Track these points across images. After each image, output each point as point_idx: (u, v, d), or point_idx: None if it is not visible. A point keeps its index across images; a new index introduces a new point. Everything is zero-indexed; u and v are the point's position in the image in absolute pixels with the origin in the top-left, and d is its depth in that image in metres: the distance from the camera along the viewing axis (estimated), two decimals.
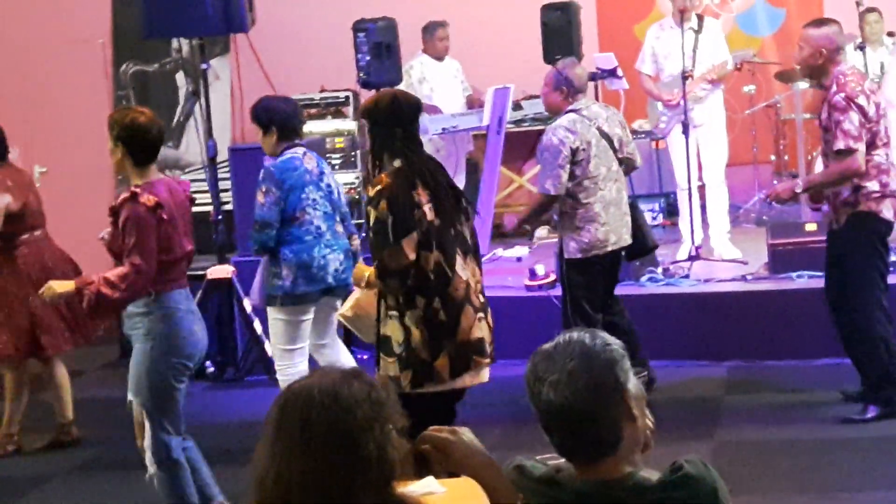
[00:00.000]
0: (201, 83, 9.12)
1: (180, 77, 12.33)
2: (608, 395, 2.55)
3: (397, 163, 5.26)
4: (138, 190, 5.31)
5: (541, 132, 11.05)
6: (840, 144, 6.49)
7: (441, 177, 5.37)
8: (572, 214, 7.01)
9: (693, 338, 8.28)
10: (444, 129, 10.45)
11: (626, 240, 7.18)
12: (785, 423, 6.94)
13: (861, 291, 6.71)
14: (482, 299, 5.43)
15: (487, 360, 5.40)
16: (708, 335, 8.30)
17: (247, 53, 10.68)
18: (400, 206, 5.14)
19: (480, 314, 5.37)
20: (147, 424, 5.51)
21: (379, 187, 5.19)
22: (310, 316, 6.65)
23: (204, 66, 9.09)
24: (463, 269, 5.31)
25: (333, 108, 11.72)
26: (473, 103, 10.95)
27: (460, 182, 10.68)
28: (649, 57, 9.61)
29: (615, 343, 2.62)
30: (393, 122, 5.30)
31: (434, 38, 10.89)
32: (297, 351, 6.65)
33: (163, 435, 5.50)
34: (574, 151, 6.94)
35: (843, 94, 6.49)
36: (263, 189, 6.50)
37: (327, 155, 10.34)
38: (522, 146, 11.25)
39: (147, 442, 5.54)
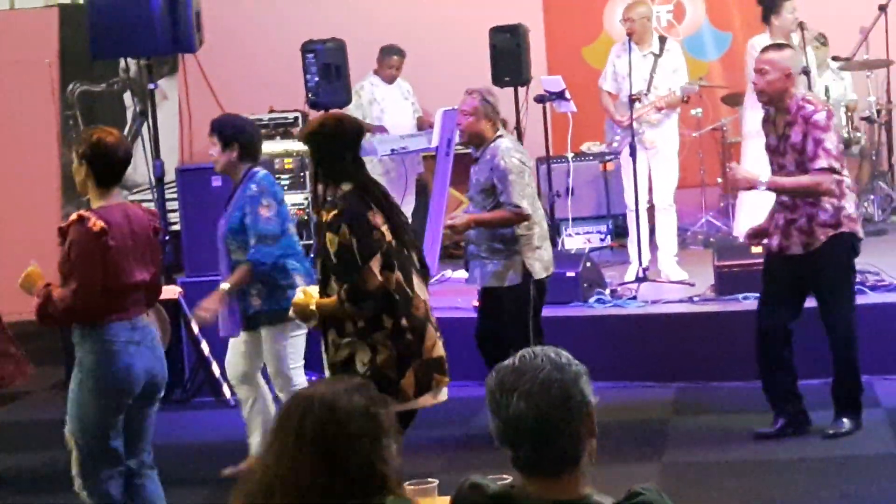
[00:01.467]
0: (149, 103, 9.08)
1: (128, 97, 12.24)
2: (577, 407, 2.58)
3: (346, 186, 5.26)
4: (86, 213, 5.18)
5: None
6: (823, 163, 6.48)
7: (391, 200, 5.43)
8: (530, 235, 6.99)
9: (640, 359, 8.31)
10: (392, 150, 10.46)
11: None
12: (732, 444, 6.96)
13: (848, 313, 6.78)
14: (435, 318, 5.50)
15: (447, 379, 5.46)
16: (655, 356, 8.33)
17: (195, 73, 10.62)
18: (361, 228, 5.16)
19: (438, 333, 5.45)
20: (74, 453, 5.36)
21: (335, 212, 5.18)
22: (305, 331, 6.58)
23: (151, 86, 9.06)
24: (420, 288, 5.37)
25: (282, 129, 11.67)
26: (423, 125, 10.97)
27: (410, 203, 10.69)
28: (610, 75, 9.70)
29: (576, 360, 2.65)
30: (341, 145, 5.31)
31: (386, 62, 10.88)
32: (301, 365, 6.58)
33: (88, 466, 5.32)
34: (528, 172, 7.01)
35: (824, 112, 6.52)
36: (265, 203, 6.37)
37: (276, 176, 10.30)
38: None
39: (75, 470, 5.38)
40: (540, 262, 7.04)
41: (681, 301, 8.81)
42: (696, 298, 8.77)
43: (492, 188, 6.95)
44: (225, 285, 6.42)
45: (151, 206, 9.27)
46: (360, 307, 5.18)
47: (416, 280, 5.35)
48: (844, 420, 6.84)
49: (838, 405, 6.88)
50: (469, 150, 11.17)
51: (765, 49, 6.93)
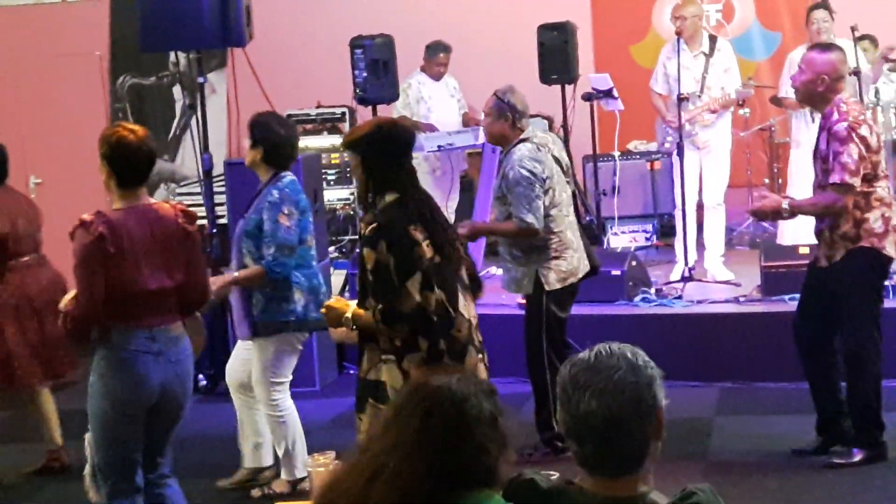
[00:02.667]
0: (198, 97, 9.12)
1: (177, 90, 12.36)
2: (647, 410, 2.58)
3: (391, 196, 4.96)
4: (89, 217, 4.93)
5: None
6: (836, 178, 6.20)
7: (437, 212, 5.11)
8: (545, 246, 6.77)
9: (685, 358, 8.28)
10: (439, 146, 10.47)
11: (587, 265, 7.00)
12: (775, 445, 6.94)
13: (858, 332, 6.40)
14: (480, 338, 5.17)
15: None
16: (700, 356, 8.31)
17: (244, 68, 10.64)
18: (401, 245, 4.85)
19: (480, 355, 5.13)
20: (88, 461, 5.24)
21: (374, 225, 4.88)
22: (300, 348, 6.46)
23: (201, 79, 9.10)
24: (465, 307, 5.06)
25: (329, 124, 11.76)
26: (469, 121, 10.97)
27: (455, 200, 10.71)
28: (661, 76, 9.65)
29: (652, 363, 2.65)
30: (392, 152, 5.01)
31: (434, 60, 10.87)
32: (287, 382, 6.43)
33: (102, 476, 5.13)
34: (543, 181, 6.73)
35: (845, 124, 6.21)
36: (286, 211, 6.20)
37: (323, 170, 10.35)
38: None
39: (88, 480, 5.27)
40: (555, 273, 6.78)
41: (726, 301, 8.77)
42: (741, 299, 8.74)
43: (504, 197, 6.79)
44: (235, 274, 6.31)
45: (199, 199, 9.36)
46: (393, 328, 4.87)
47: (461, 298, 5.03)
48: (855, 449, 6.49)
49: (854, 432, 6.55)
50: None
51: (811, 47, 6.79)
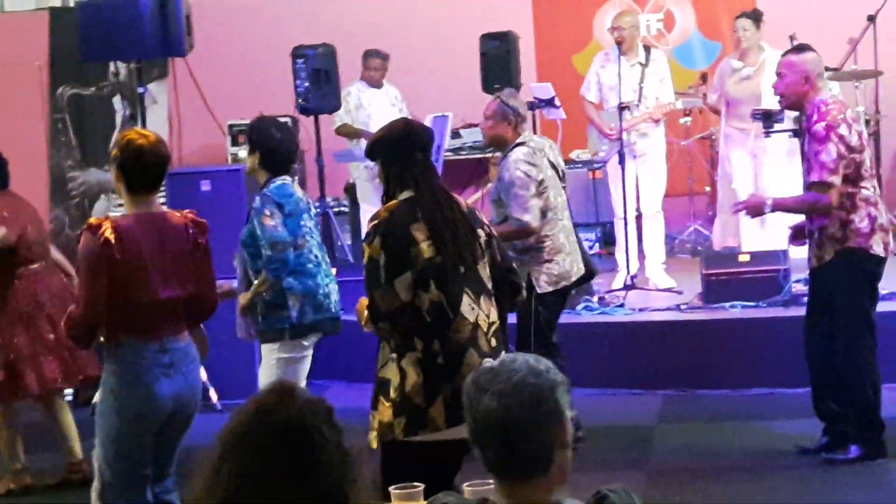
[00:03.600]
0: (138, 107, 9.08)
1: (117, 101, 12.24)
2: (548, 414, 2.59)
3: (406, 194, 4.91)
4: (97, 221, 4.85)
5: (479, 160, 11.28)
6: (815, 177, 6.25)
7: (451, 211, 4.94)
8: (539, 248, 6.87)
9: (628, 366, 8.34)
10: None
11: (581, 268, 7.11)
12: (718, 452, 6.99)
13: (848, 333, 6.40)
14: (494, 343, 4.93)
15: None
16: (642, 364, 8.36)
17: (185, 78, 10.64)
18: (394, 243, 4.80)
19: (490, 360, 4.96)
20: (96, 477, 5.10)
21: (375, 222, 4.87)
22: (310, 352, 6.30)
23: (141, 90, 9.05)
24: (471, 309, 4.87)
25: None
26: None
27: None
28: (594, 84, 9.71)
29: (557, 371, 2.66)
30: (406, 150, 4.96)
31: (368, 66, 10.86)
32: None
33: (110, 493, 5.01)
34: (538, 183, 6.83)
35: (823, 124, 6.23)
36: (267, 213, 6.09)
37: None
38: (460, 174, 11.27)
39: (94, 496, 5.11)
40: (547, 276, 6.87)
41: (668, 309, 8.83)
42: (683, 306, 8.79)
43: (500, 199, 6.88)
44: (241, 298, 6.18)
45: None
46: (376, 326, 4.85)
47: (466, 300, 4.85)
48: (853, 447, 6.48)
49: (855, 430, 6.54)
50: (459, 157, 11.34)
51: (785, 52, 6.77)
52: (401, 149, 4.98)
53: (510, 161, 6.87)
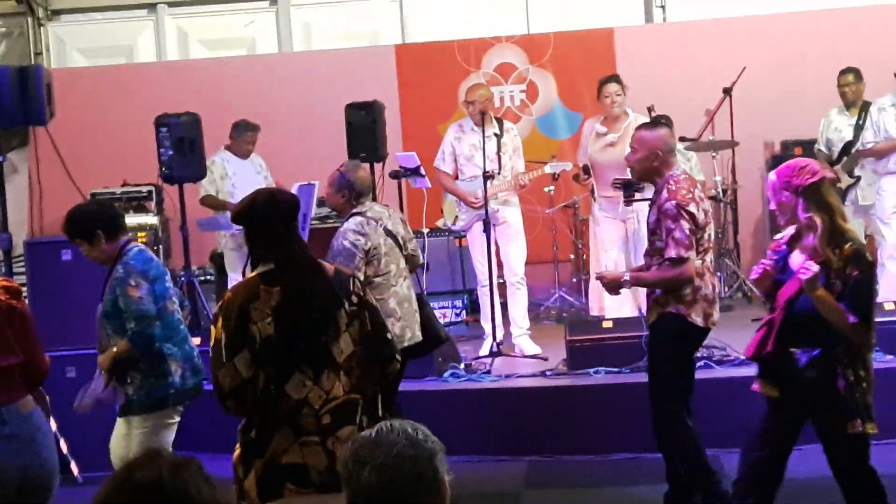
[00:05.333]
0: None
1: None
2: (428, 483, 2.62)
3: (264, 267, 4.85)
4: None
5: None
6: (672, 253, 6.39)
7: (313, 282, 4.89)
8: (381, 303, 6.95)
9: (494, 433, 8.36)
10: None
11: (418, 335, 7.28)
12: None
13: (660, 391, 6.54)
14: (328, 420, 4.77)
15: (311, 491, 4.72)
16: (508, 430, 8.39)
17: (46, 146, 10.50)
18: (232, 323, 4.73)
19: (314, 438, 4.75)
20: None
21: (220, 304, 4.86)
22: (179, 418, 6.23)
23: (0, 158, 8.91)
24: (301, 386, 4.76)
25: (136, 203, 11.61)
26: None
27: None
28: (448, 155, 9.84)
29: (434, 437, 2.69)
30: (266, 222, 4.90)
31: (242, 139, 10.84)
32: None
33: None
34: (366, 252, 7.08)
35: (673, 202, 6.39)
36: (133, 283, 6.00)
37: None
38: (327, 242, 11.25)
39: None
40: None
41: (534, 375, 8.88)
42: (548, 373, 8.86)
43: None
44: (100, 359, 6.12)
45: None
46: (223, 405, 4.75)
47: (297, 378, 4.76)
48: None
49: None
50: (326, 225, 11.34)
51: (638, 127, 6.96)
52: (265, 220, 4.91)
53: (340, 231, 7.19)
